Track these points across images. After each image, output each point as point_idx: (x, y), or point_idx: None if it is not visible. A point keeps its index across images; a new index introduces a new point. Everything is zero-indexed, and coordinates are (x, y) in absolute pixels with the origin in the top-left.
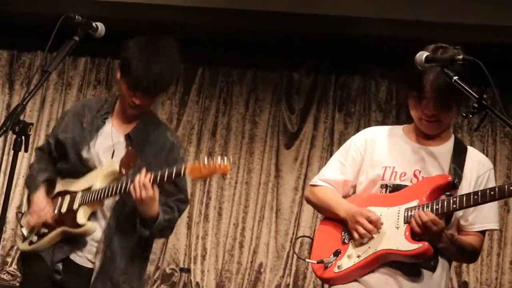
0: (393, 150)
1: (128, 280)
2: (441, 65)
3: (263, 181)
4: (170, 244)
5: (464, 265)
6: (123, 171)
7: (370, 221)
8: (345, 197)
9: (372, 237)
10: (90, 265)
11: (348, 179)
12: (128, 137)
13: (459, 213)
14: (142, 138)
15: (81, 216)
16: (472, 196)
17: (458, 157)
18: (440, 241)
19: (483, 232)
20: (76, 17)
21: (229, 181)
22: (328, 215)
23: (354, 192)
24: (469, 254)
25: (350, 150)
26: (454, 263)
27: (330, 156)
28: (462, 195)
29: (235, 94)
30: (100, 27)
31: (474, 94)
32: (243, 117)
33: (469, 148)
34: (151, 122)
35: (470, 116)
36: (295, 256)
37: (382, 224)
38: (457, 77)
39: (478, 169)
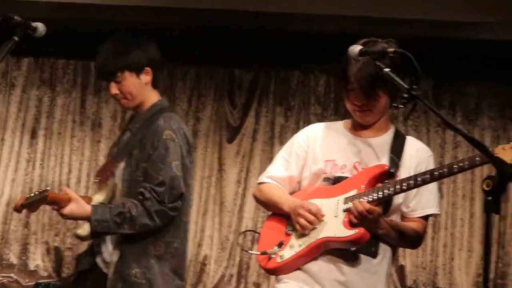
0: (334, 144)
1: (140, 274)
2: (373, 57)
3: (207, 175)
4: None
5: (400, 249)
6: (98, 180)
7: (311, 213)
8: (292, 193)
9: (314, 228)
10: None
11: (293, 175)
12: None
13: (399, 199)
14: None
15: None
16: (405, 181)
17: (396, 147)
18: (378, 227)
19: (425, 218)
20: (15, 17)
21: None
22: (275, 211)
23: (300, 188)
24: (412, 239)
25: (294, 147)
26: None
27: (272, 149)
28: (397, 180)
29: (178, 91)
30: (40, 27)
31: (404, 85)
32: (186, 113)
33: (408, 138)
34: (149, 115)
35: (401, 106)
36: (238, 248)
37: (323, 215)
38: (388, 69)
39: (417, 156)
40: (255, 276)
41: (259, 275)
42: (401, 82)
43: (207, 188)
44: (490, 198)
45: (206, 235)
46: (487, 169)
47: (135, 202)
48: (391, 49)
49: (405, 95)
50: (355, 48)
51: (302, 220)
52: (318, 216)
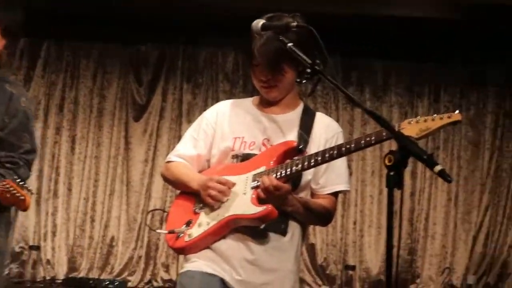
0: (243, 121)
1: None
2: (277, 32)
3: (113, 155)
4: (18, 222)
5: (311, 227)
6: None
7: (221, 183)
8: (201, 171)
9: (223, 203)
10: None
11: (202, 153)
12: None
13: (309, 176)
14: None
15: None
16: (313, 157)
17: (305, 123)
18: (287, 204)
19: (335, 194)
20: None
21: (78, 156)
22: (183, 189)
23: (209, 166)
24: (322, 216)
25: (202, 124)
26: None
27: (179, 127)
28: (305, 156)
29: (82, 68)
30: None
31: (307, 60)
32: (91, 91)
33: (318, 114)
34: None
35: (304, 81)
36: (147, 229)
37: (234, 184)
38: (291, 44)
39: (326, 132)
40: (164, 257)
41: (168, 256)
42: (304, 57)
43: (114, 167)
44: (392, 173)
45: (113, 216)
46: (395, 145)
47: (9, 171)
48: (294, 23)
49: (309, 71)
50: (258, 23)
51: (212, 191)
52: (228, 185)
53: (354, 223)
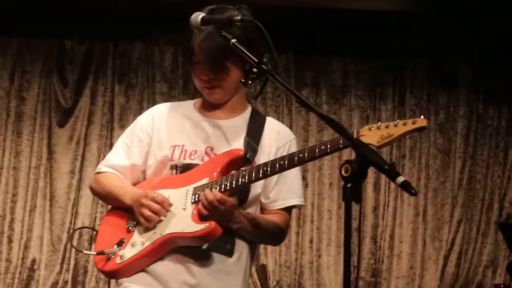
0: (183, 127)
1: None
2: (218, 27)
3: (34, 165)
4: None
5: (261, 246)
6: None
7: (156, 202)
8: (135, 183)
9: (160, 220)
10: None
11: (136, 163)
12: None
13: (258, 189)
14: None
15: None
16: (262, 168)
17: (254, 129)
18: (233, 221)
19: (287, 210)
20: None
21: None
22: (115, 204)
23: (145, 178)
24: (273, 234)
25: (137, 130)
26: None
27: (111, 134)
28: (252, 167)
29: None
30: None
31: (253, 58)
32: (8, 93)
33: (268, 119)
34: None
35: (250, 82)
36: (73, 250)
37: (170, 205)
38: (235, 40)
39: (278, 140)
40: (94, 281)
41: (99, 281)
42: (250, 55)
43: (35, 180)
44: (349, 185)
45: (35, 235)
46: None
47: None
48: (238, 17)
49: (255, 70)
50: (198, 16)
51: (145, 211)
52: (164, 205)
53: (311, 241)
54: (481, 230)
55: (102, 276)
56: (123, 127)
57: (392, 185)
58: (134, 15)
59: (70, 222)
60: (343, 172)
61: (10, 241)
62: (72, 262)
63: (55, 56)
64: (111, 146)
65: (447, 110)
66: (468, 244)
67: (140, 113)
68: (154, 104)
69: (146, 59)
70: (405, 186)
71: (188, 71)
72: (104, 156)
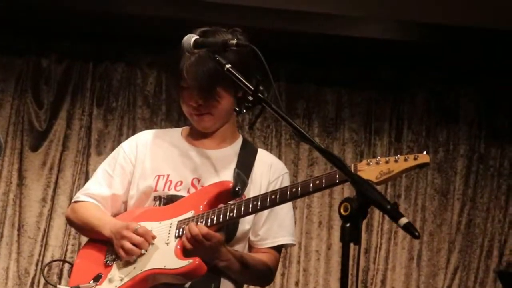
0: (168, 156)
1: None
2: (212, 50)
3: (3, 191)
4: None
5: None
6: None
7: (138, 234)
8: (115, 215)
9: (141, 254)
10: None
11: (117, 193)
12: None
13: (246, 226)
14: None
15: None
16: (251, 202)
17: (245, 161)
18: (219, 258)
19: (277, 249)
20: None
21: None
22: (93, 236)
23: (126, 209)
24: (262, 274)
25: (119, 158)
26: None
27: (87, 161)
28: (241, 201)
29: None
30: None
31: (248, 85)
32: None
33: (260, 151)
34: None
35: (244, 111)
36: (41, 284)
37: (154, 237)
38: (229, 65)
39: (269, 173)
40: None
41: None
42: (245, 82)
43: (3, 207)
44: (348, 224)
45: (0, 267)
46: (348, 192)
47: None
48: (234, 41)
49: (250, 98)
50: (190, 38)
51: (126, 244)
52: (147, 238)
53: (296, 284)
54: (479, 278)
55: None
56: (100, 153)
57: (386, 226)
58: (116, 35)
59: (39, 254)
60: (342, 210)
61: None
62: None
63: (30, 75)
64: (86, 173)
65: (446, 147)
66: None
67: (119, 139)
68: (134, 129)
69: (127, 82)
70: (409, 228)
71: (174, 96)
72: (79, 184)
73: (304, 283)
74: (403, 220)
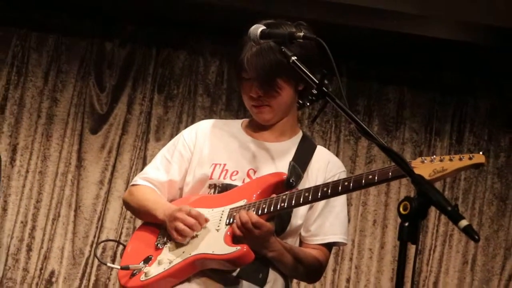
0: (227, 145)
1: None
2: (278, 42)
3: (61, 171)
4: None
5: (294, 281)
6: None
7: (191, 216)
8: (171, 201)
9: (194, 237)
10: None
11: (174, 179)
12: None
13: (298, 221)
14: None
15: None
16: (303, 194)
17: (302, 155)
18: (268, 248)
19: (328, 246)
20: None
21: (18, 169)
22: (147, 219)
23: (182, 196)
24: (312, 269)
25: (179, 145)
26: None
27: (145, 146)
28: (293, 192)
29: (32, 63)
30: None
31: (314, 79)
32: (41, 92)
33: (319, 147)
34: None
35: (308, 104)
36: (95, 264)
37: (207, 220)
38: (295, 58)
39: (326, 171)
40: None
41: None
42: (310, 75)
43: (61, 187)
44: (406, 224)
45: (55, 246)
46: (404, 191)
47: None
48: (300, 34)
49: (314, 92)
50: (257, 29)
51: (180, 225)
52: (200, 220)
53: (347, 280)
54: None
55: None
56: (159, 139)
57: (441, 229)
58: (180, 22)
59: (94, 236)
60: (401, 209)
61: (29, 249)
62: (93, 278)
63: (93, 58)
64: (144, 158)
65: (508, 153)
66: None
67: (178, 127)
68: (194, 118)
69: (189, 70)
70: (469, 231)
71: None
72: (137, 169)
73: (355, 280)
74: (464, 223)
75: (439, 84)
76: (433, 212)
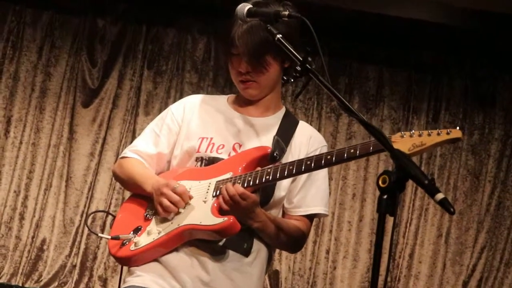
0: (214, 120)
1: None
2: (264, 20)
3: (54, 143)
4: None
5: (276, 251)
6: None
7: (176, 193)
8: (159, 173)
9: (179, 212)
10: None
11: (163, 152)
12: None
13: (281, 192)
14: None
15: None
16: (287, 167)
17: (285, 130)
18: (253, 219)
19: (309, 217)
20: None
21: (12, 141)
22: (135, 191)
23: (169, 168)
24: (294, 239)
25: (167, 119)
26: None
27: (135, 120)
28: (277, 165)
29: (26, 38)
30: None
31: (298, 56)
32: (35, 66)
33: (301, 123)
34: None
35: (292, 80)
36: (85, 233)
37: (191, 197)
38: (280, 35)
39: (308, 145)
40: (102, 269)
41: (107, 269)
42: (295, 53)
43: (53, 159)
44: (385, 196)
45: (47, 215)
46: (383, 166)
47: None
48: (286, 12)
49: (298, 68)
50: (244, 7)
51: (164, 201)
52: (184, 197)
53: (327, 252)
54: (505, 259)
55: (110, 264)
56: (148, 114)
57: (417, 203)
58: (170, 1)
59: (84, 206)
60: (380, 182)
61: (22, 218)
62: (83, 246)
63: (86, 34)
64: (133, 132)
65: (482, 131)
66: (490, 272)
67: (166, 101)
68: (181, 93)
69: (178, 47)
70: (444, 204)
71: (222, 63)
72: (126, 142)
73: (334, 251)
74: (440, 196)
75: (417, 64)
76: (410, 186)
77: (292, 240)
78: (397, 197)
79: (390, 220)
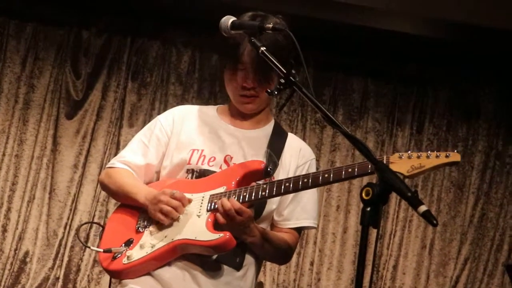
0: (204, 132)
1: None
2: (249, 33)
3: (37, 155)
4: None
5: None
6: None
7: (175, 198)
8: (147, 184)
9: (172, 225)
10: None
11: (152, 163)
12: None
13: (273, 205)
14: None
15: None
16: (283, 184)
17: (276, 143)
18: (248, 234)
19: (298, 230)
20: None
21: None
22: (125, 202)
23: (158, 179)
24: (283, 252)
25: (156, 129)
26: None
27: (119, 132)
28: (273, 181)
29: (10, 50)
30: None
31: (282, 69)
32: (18, 78)
33: (290, 135)
34: None
35: (276, 93)
36: (68, 245)
37: (190, 201)
38: (264, 48)
39: (298, 158)
40: (86, 281)
41: (90, 281)
42: (279, 65)
43: (36, 170)
44: (368, 208)
45: (30, 227)
46: (366, 179)
47: None
48: (270, 25)
49: (282, 81)
50: (228, 20)
51: (165, 207)
52: (183, 202)
53: (311, 263)
54: (488, 271)
55: (94, 276)
56: (132, 125)
57: (401, 214)
58: (155, 13)
59: (68, 218)
60: (364, 194)
61: (4, 230)
62: (66, 259)
63: (70, 46)
64: (117, 143)
65: (465, 143)
66: (473, 283)
67: (151, 113)
68: (166, 105)
69: (162, 59)
70: (427, 216)
71: (206, 76)
72: (110, 154)
73: (319, 263)
74: (423, 208)
75: (401, 76)
76: (394, 198)
77: (281, 253)
78: (380, 209)
79: (373, 232)
